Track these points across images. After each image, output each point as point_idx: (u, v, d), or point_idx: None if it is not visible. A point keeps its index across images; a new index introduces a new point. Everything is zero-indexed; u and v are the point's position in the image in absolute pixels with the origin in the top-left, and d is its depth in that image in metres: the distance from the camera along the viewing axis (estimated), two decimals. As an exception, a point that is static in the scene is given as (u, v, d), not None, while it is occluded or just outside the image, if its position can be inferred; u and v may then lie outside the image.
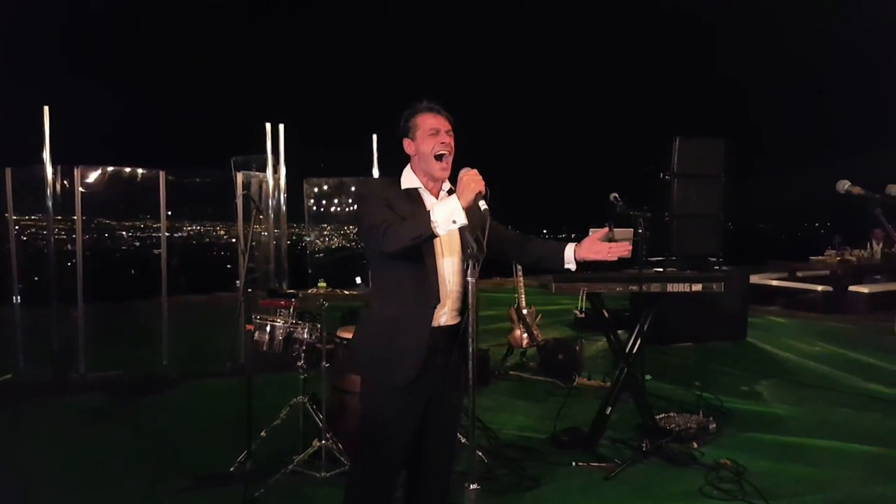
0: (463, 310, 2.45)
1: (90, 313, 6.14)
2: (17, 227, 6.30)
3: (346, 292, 4.15)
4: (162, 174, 6.39)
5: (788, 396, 5.54)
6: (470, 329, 2.12)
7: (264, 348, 3.96)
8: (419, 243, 2.23)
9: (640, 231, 3.79)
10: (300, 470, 3.64)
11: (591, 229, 3.79)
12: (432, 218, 2.14)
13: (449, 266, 2.41)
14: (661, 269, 4.65)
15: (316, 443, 3.73)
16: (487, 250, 2.11)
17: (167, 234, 6.63)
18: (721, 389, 5.41)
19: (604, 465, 3.95)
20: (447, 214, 2.13)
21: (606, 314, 4.43)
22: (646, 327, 4.36)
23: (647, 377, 5.09)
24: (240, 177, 6.58)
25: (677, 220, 6.62)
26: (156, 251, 6.64)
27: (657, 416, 4.49)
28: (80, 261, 6.02)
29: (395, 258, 2.30)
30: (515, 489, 3.63)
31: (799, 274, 11.33)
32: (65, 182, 6.10)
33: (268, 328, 3.96)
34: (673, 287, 4.22)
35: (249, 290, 4.90)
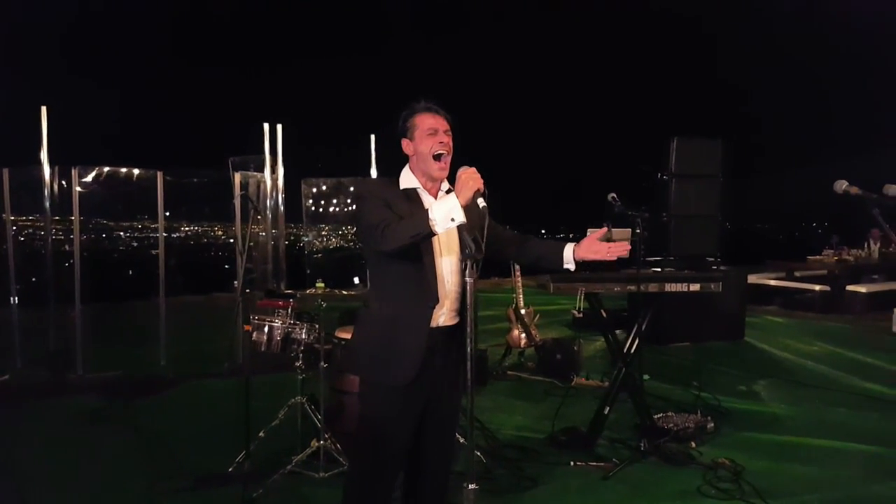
0: (461, 310, 2.45)
1: (88, 314, 6.14)
2: (14, 228, 6.29)
3: (344, 293, 4.15)
4: (160, 174, 6.39)
5: (786, 396, 5.55)
6: (468, 329, 2.13)
7: (262, 349, 3.96)
8: (418, 241, 2.23)
9: (639, 231, 3.79)
10: (298, 470, 3.64)
11: (589, 229, 3.78)
12: (431, 216, 2.14)
13: (447, 266, 2.41)
14: (659, 269, 4.65)
15: (314, 443, 3.73)
16: (486, 250, 2.11)
17: (165, 234, 6.62)
18: (719, 389, 5.42)
19: (602, 464, 3.95)
20: (446, 212, 2.13)
21: (604, 314, 4.43)
22: (644, 327, 4.36)
23: (646, 377, 5.10)
24: (238, 177, 6.57)
25: (675, 220, 6.62)
26: (153, 252, 6.63)
27: (655, 416, 4.50)
28: (77, 261, 6.01)
29: (393, 257, 2.30)
30: (514, 489, 3.63)
31: (797, 274, 11.35)
32: (62, 182, 6.09)
33: (266, 328, 3.96)
34: (671, 287, 4.23)
35: (247, 290, 4.89)
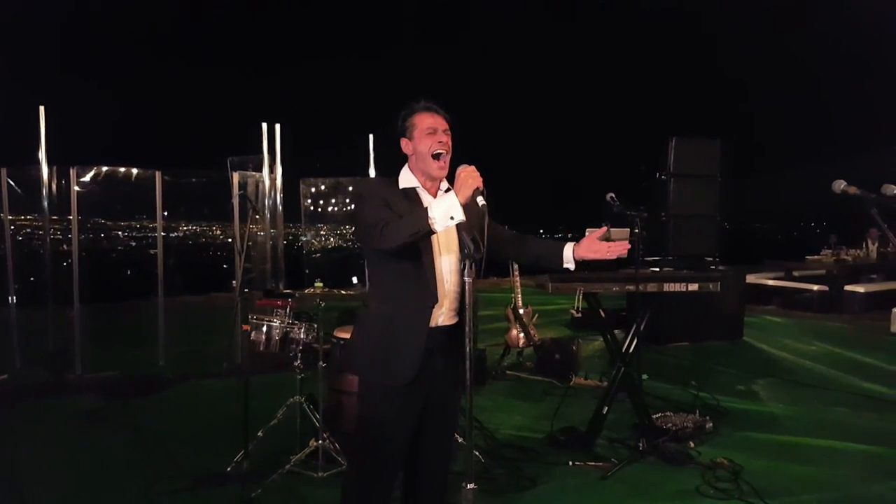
0: (461, 310, 2.45)
1: (86, 314, 6.13)
2: (12, 228, 6.28)
3: (343, 292, 4.15)
4: (158, 174, 6.38)
5: (785, 396, 5.56)
6: (467, 329, 2.13)
7: (261, 348, 3.96)
8: (417, 239, 2.22)
9: (637, 231, 3.79)
10: (297, 470, 3.64)
11: (587, 229, 3.79)
12: (430, 214, 2.14)
13: (447, 265, 2.41)
14: (657, 269, 4.66)
15: (313, 443, 3.73)
16: (485, 249, 2.11)
17: (163, 234, 6.62)
18: (717, 389, 5.42)
19: (601, 464, 3.95)
20: (445, 210, 2.13)
21: (603, 314, 4.43)
22: (642, 327, 4.36)
23: (644, 377, 5.11)
24: (236, 177, 6.57)
25: (674, 219, 6.64)
26: (152, 251, 6.62)
27: (654, 416, 4.50)
28: (75, 261, 6.00)
29: (392, 257, 2.30)
30: (512, 489, 3.63)
31: (795, 273, 11.37)
32: (61, 182, 6.08)
33: (264, 328, 3.96)
34: (669, 287, 4.23)
35: (246, 290, 4.88)
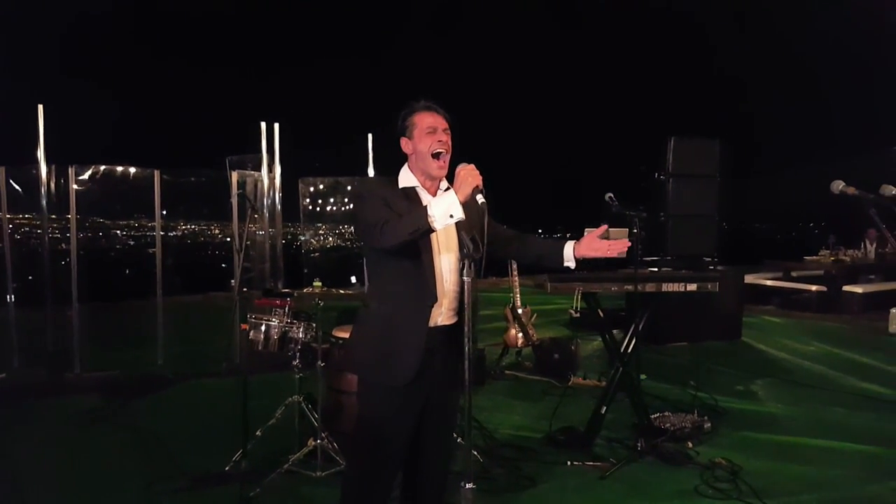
0: (460, 309, 2.45)
1: (85, 313, 6.12)
2: (10, 226, 6.27)
3: (342, 292, 4.14)
4: (157, 173, 6.38)
5: (783, 396, 5.56)
6: (466, 329, 2.12)
7: (260, 348, 3.95)
8: (417, 237, 2.23)
9: (636, 231, 3.79)
10: (296, 469, 3.64)
11: (586, 229, 3.78)
12: (430, 212, 2.14)
13: (446, 264, 2.41)
14: (656, 269, 4.67)
15: (311, 442, 3.73)
16: (485, 248, 2.11)
17: (162, 233, 6.62)
18: (716, 389, 5.43)
19: (599, 464, 3.96)
20: (445, 209, 2.13)
21: (602, 314, 4.44)
22: (641, 327, 4.37)
23: (643, 377, 5.11)
24: (235, 176, 6.57)
25: (672, 220, 6.65)
26: (151, 251, 6.62)
27: (652, 416, 4.50)
28: (74, 260, 6.00)
29: (392, 256, 2.30)
30: (511, 489, 3.63)
31: (794, 274, 11.38)
32: (60, 181, 6.08)
33: (263, 328, 3.95)
34: (668, 287, 4.23)
35: (245, 289, 4.89)
